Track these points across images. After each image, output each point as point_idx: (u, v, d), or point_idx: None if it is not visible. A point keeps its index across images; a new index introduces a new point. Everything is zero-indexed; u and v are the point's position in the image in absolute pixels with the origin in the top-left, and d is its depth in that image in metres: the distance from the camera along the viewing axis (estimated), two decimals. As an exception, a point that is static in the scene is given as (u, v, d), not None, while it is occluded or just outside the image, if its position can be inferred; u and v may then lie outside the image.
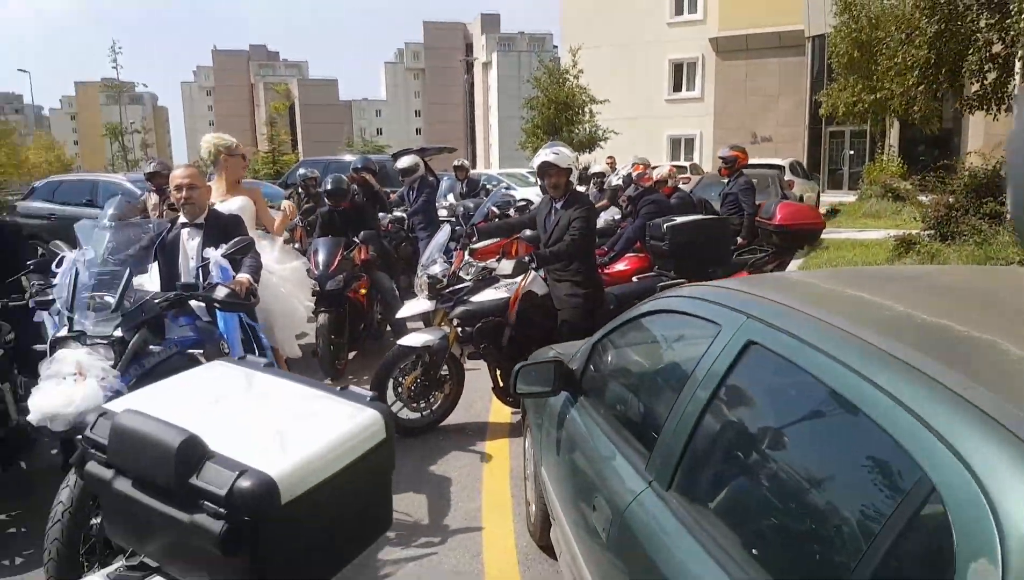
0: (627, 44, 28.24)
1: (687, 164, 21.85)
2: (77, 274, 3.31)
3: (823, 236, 12.21)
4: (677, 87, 29.40)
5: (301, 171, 11.35)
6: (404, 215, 8.26)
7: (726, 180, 7.87)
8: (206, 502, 1.34)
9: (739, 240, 7.02)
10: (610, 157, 16.52)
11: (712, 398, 1.69)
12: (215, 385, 1.76)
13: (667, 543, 1.63)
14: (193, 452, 1.38)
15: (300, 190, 9.87)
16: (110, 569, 1.66)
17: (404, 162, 8.24)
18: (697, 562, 1.49)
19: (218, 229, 3.79)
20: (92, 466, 1.55)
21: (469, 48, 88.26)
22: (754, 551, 1.40)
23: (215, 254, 3.61)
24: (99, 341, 3.05)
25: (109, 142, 39.60)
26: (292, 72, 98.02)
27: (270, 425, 1.51)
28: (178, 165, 4.60)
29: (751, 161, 9.33)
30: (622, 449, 2.07)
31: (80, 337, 3.10)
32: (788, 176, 14.78)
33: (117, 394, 2.84)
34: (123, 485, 1.49)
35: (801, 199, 13.81)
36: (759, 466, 1.59)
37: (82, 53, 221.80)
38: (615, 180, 7.71)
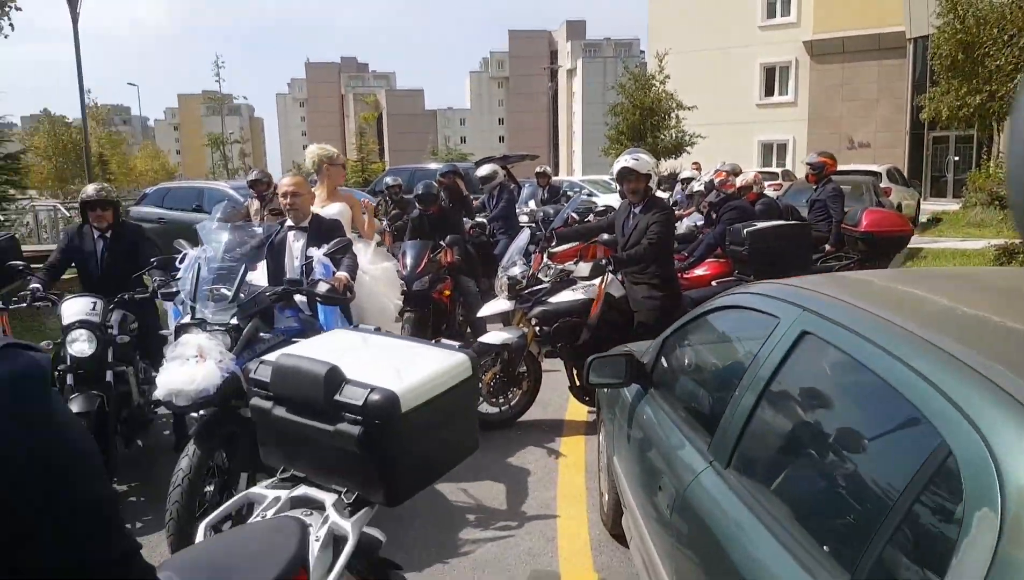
0: (716, 48, 27.91)
1: (778, 170, 21.41)
2: (199, 269, 3.76)
3: (923, 246, 11.81)
4: (769, 91, 28.81)
5: (387, 179, 11.93)
6: (485, 220, 8.59)
7: (814, 187, 7.81)
8: (346, 413, 1.88)
9: (827, 247, 6.97)
10: (695, 163, 16.42)
11: (768, 383, 1.86)
12: (340, 343, 2.31)
13: (723, 513, 1.80)
14: (335, 377, 1.91)
15: (387, 197, 10.42)
16: (267, 482, 2.18)
17: (483, 170, 8.60)
18: (750, 528, 1.66)
19: (320, 232, 4.18)
20: (255, 401, 2.11)
21: (554, 56, 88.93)
22: (799, 516, 1.56)
23: (318, 253, 4.00)
24: (217, 328, 3.46)
25: (211, 151, 42.25)
26: (380, 83, 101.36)
27: (387, 363, 2.03)
28: (285, 174, 4.99)
29: (845, 167, 9.17)
30: (687, 434, 2.25)
31: (201, 324, 3.53)
32: (885, 183, 14.32)
33: (232, 375, 3.25)
34: (280, 411, 2.03)
35: (899, 207, 13.37)
36: (807, 442, 1.75)
37: (184, 66, 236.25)
38: (697, 186, 7.79)
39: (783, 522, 1.58)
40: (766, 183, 11.98)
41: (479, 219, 8.71)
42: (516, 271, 4.92)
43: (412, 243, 6.53)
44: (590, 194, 17.03)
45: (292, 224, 4.26)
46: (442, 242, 6.61)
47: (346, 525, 1.90)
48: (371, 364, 2.05)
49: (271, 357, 2.12)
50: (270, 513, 2.02)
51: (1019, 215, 0.85)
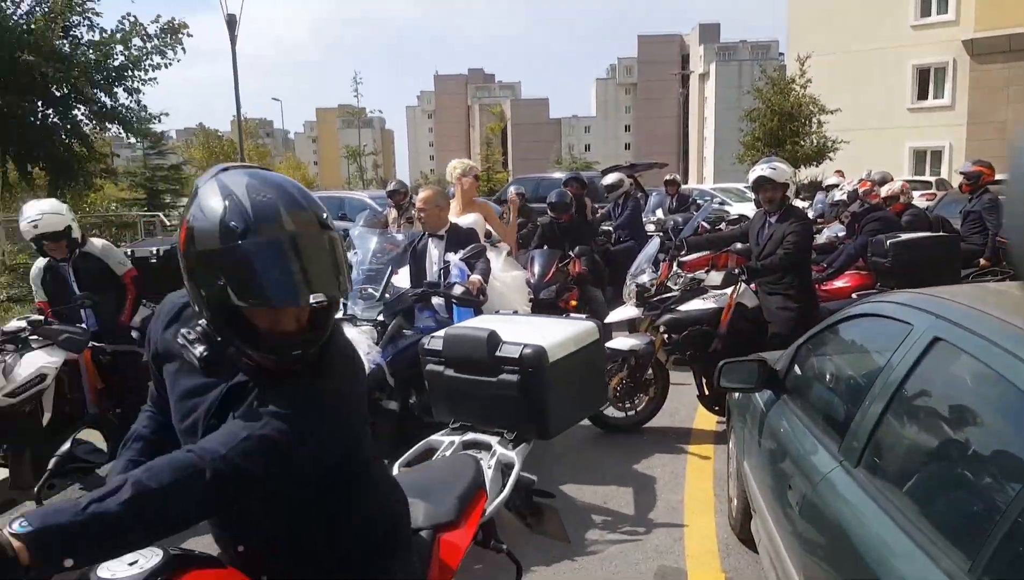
0: (863, 50, 26.55)
1: (932, 179, 20.11)
2: (350, 270, 4.25)
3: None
4: (922, 94, 27.03)
5: (512, 189, 12.35)
6: (610, 228, 8.76)
7: (969, 197, 7.43)
8: (505, 366, 2.63)
9: (981, 261, 6.63)
10: (838, 170, 15.80)
11: (900, 387, 1.96)
12: (490, 320, 3.07)
13: (851, 509, 1.92)
14: (495, 339, 2.68)
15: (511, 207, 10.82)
16: (441, 432, 2.86)
17: (609, 179, 8.80)
18: (878, 523, 1.78)
19: (457, 239, 4.57)
20: (430, 366, 2.89)
21: (685, 60, 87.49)
22: (927, 513, 1.67)
23: (454, 258, 4.40)
24: (365, 323, 3.90)
25: (347, 163, 44.91)
26: (506, 93, 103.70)
27: (532, 329, 2.79)
28: (417, 185, 5.45)
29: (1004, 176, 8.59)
30: (818, 437, 2.36)
31: (352, 319, 3.98)
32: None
33: (378, 367, 3.68)
34: (450, 372, 2.81)
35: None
36: (936, 443, 1.85)
37: (322, 82, 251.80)
38: (839, 195, 7.61)
39: (911, 518, 1.69)
40: (918, 193, 11.40)
41: (604, 227, 8.92)
42: (645, 278, 5.08)
43: (541, 252, 6.83)
44: (722, 203, 16.76)
45: (431, 232, 4.65)
46: (571, 253, 6.87)
47: (512, 455, 2.49)
48: (519, 330, 2.74)
49: (440, 333, 2.91)
50: (448, 454, 2.58)
51: (1020, 258, 0.85)
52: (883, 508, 1.78)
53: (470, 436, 2.70)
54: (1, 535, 1.00)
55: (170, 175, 22.91)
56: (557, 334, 2.78)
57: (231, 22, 15.68)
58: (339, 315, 4.17)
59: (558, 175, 12.88)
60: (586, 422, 4.76)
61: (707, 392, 4.87)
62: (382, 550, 1.52)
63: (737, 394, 3.53)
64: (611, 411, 4.94)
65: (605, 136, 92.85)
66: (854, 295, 5.66)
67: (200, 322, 1.30)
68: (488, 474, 2.29)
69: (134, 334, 4.59)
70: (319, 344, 1.31)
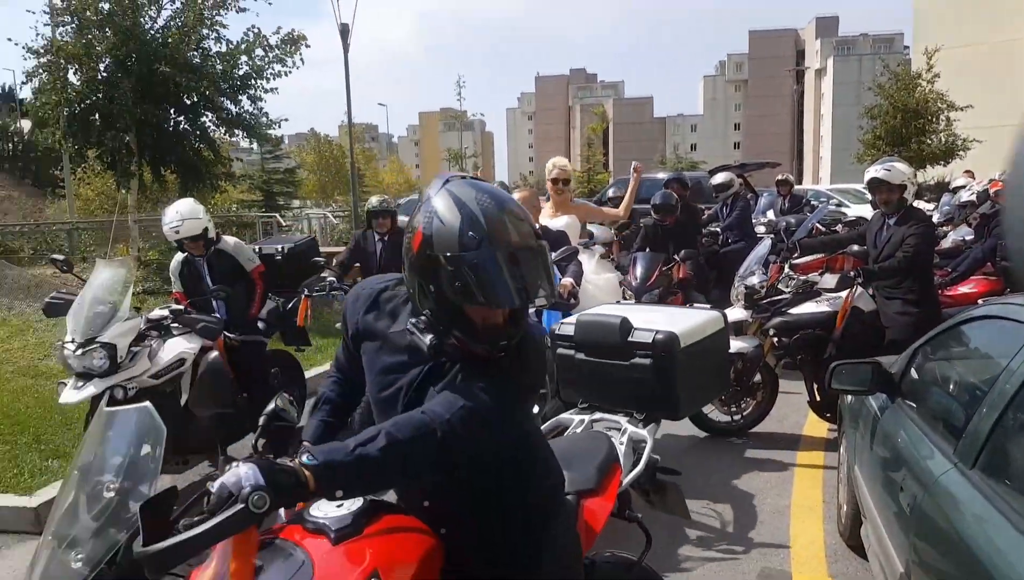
0: (997, 42, 24.86)
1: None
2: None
3: None
4: (1068, 86, 25.01)
5: (611, 190, 12.40)
6: (718, 229, 8.67)
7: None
8: (638, 351, 2.89)
9: None
10: (967, 170, 14.92)
11: (1022, 387, 1.95)
12: (615, 309, 3.55)
13: (966, 511, 1.94)
14: (627, 325, 2.93)
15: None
16: (571, 411, 3.15)
17: (719, 178, 8.68)
18: (994, 525, 1.80)
19: (548, 242, 4.60)
20: (560, 350, 3.15)
21: (800, 56, 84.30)
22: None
23: None
24: None
25: (448, 165, 46.10)
26: (608, 92, 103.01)
27: (659, 317, 3.04)
28: (521, 187, 5.51)
29: None
30: (933, 441, 2.36)
31: None
32: None
33: None
34: (581, 356, 3.06)
35: None
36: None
37: (424, 86, 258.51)
38: (967, 196, 7.26)
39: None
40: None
41: (712, 228, 8.83)
42: (754, 280, 5.06)
43: (643, 254, 6.83)
44: (839, 205, 16.12)
45: None
46: (676, 257, 6.82)
47: (643, 433, 2.70)
48: (648, 318, 2.98)
49: (571, 319, 3.24)
50: (578, 431, 2.82)
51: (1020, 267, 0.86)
52: (999, 510, 1.79)
53: (597, 415, 2.95)
54: (297, 467, 1.26)
55: (285, 178, 24.29)
56: (686, 321, 3.06)
57: (344, 31, 16.45)
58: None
59: (662, 175, 12.83)
60: (690, 425, 4.81)
61: (818, 398, 4.80)
62: (547, 510, 1.76)
63: (850, 398, 3.51)
64: (716, 414, 4.95)
65: (713, 135, 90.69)
66: (980, 301, 5.41)
67: (424, 314, 1.54)
68: (620, 449, 2.45)
69: (260, 325, 5.00)
70: (519, 337, 1.55)
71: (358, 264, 5.80)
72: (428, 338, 1.52)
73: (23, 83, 32.99)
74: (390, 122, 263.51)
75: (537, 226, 4.70)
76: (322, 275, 5.48)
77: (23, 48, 11.21)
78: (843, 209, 14.86)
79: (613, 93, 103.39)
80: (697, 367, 3.01)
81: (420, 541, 1.57)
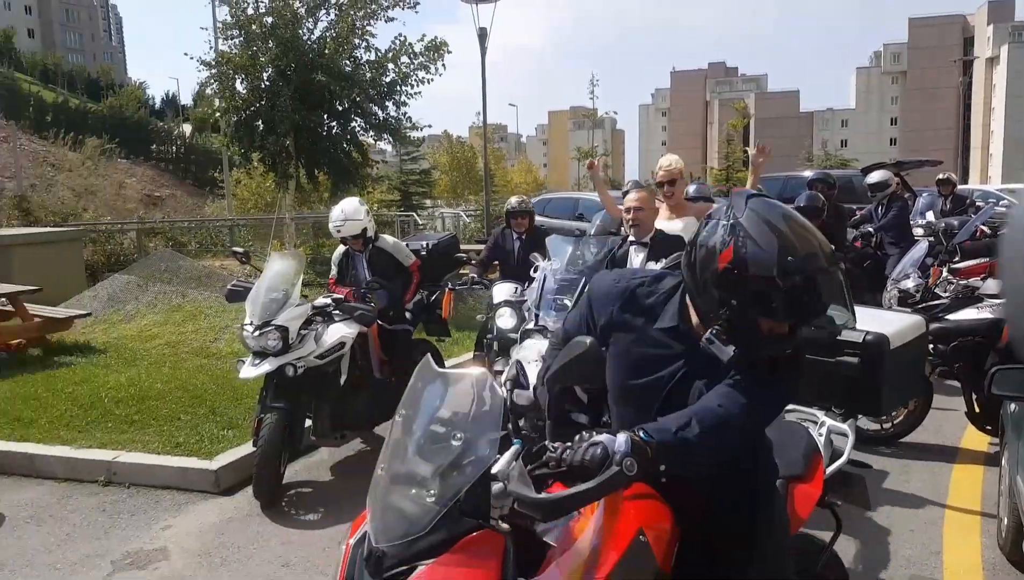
0: None
1: None
2: (545, 279, 4.51)
3: None
4: None
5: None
6: (871, 229, 8.32)
7: None
8: (846, 349, 3.06)
9: None
10: None
11: None
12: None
13: None
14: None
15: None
16: None
17: (875, 177, 8.32)
18: None
19: (662, 248, 4.20)
20: None
21: (968, 44, 77.97)
22: None
23: (657, 268, 4.39)
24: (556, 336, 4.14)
25: (577, 164, 46.33)
26: (750, 87, 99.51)
27: (867, 318, 2.96)
28: (633, 188, 4.93)
29: None
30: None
31: (543, 330, 4.15)
32: None
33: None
34: None
35: None
36: None
37: (553, 85, 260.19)
38: None
39: None
40: None
41: (865, 229, 8.49)
42: (910, 284, 4.93)
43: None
44: (1008, 206, 14.95)
45: (634, 239, 4.30)
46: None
47: (844, 427, 2.82)
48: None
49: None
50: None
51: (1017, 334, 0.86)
52: None
53: (791, 406, 3.04)
54: (638, 441, 1.50)
55: (420, 179, 25.41)
56: (894, 324, 3.25)
57: (482, 35, 17.02)
58: (531, 326, 4.41)
59: (807, 173, 12.41)
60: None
61: (977, 409, 4.61)
62: (769, 493, 1.95)
63: (1013, 406, 3.39)
64: (864, 422, 4.85)
65: (866, 130, 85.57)
66: None
67: (718, 325, 1.67)
68: (820, 441, 2.57)
69: (407, 315, 5.41)
70: (793, 345, 1.71)
71: (496, 261, 6.12)
72: (729, 350, 1.66)
73: (195, 94, 36.40)
74: (519, 122, 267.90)
75: (654, 230, 4.49)
76: (462, 271, 5.84)
77: (197, 61, 12.52)
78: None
79: (755, 87, 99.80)
80: (901, 369, 3.17)
81: (666, 508, 1.78)
